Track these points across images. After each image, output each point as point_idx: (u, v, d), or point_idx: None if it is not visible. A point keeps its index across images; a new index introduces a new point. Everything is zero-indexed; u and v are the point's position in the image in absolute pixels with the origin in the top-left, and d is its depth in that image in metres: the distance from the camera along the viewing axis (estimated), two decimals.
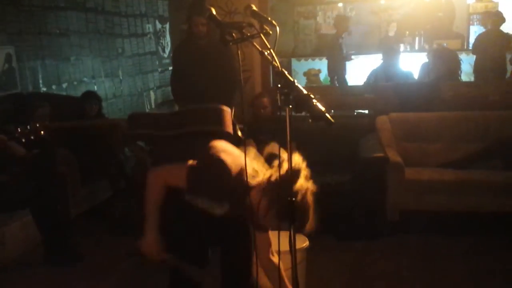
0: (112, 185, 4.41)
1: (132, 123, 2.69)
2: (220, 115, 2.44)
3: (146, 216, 2.07)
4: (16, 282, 3.25)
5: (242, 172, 1.92)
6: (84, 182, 4.23)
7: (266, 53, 1.80)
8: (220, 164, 1.93)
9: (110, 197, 4.39)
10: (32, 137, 3.02)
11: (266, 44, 1.82)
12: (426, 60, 5.75)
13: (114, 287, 3.11)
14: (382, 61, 5.91)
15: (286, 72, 1.74)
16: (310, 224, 1.98)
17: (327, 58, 7.18)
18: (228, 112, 2.50)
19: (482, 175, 3.92)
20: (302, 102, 1.61)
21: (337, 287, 2.97)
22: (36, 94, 4.79)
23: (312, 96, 1.64)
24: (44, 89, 5.04)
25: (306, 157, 4.66)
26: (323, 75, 7.95)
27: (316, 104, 1.61)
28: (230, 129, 2.45)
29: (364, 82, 6.22)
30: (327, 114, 1.57)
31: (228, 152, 2.01)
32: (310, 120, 1.60)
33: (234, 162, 1.97)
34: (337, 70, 6.90)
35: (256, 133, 4.19)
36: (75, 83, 5.53)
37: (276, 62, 1.75)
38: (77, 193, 4.08)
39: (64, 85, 5.36)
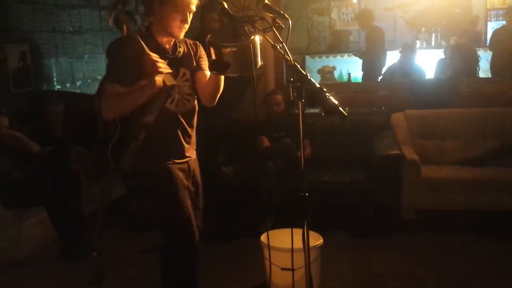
0: (125, 182, 4.42)
1: None
2: None
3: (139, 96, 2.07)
4: (31, 278, 3.27)
5: None
6: (98, 179, 4.24)
7: (278, 47, 1.78)
8: None
9: (124, 195, 4.40)
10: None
11: (279, 38, 1.80)
12: (443, 56, 5.67)
13: (129, 282, 3.11)
14: (399, 57, 5.85)
15: (298, 66, 1.72)
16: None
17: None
18: None
19: (500, 172, 3.85)
20: (315, 96, 1.60)
21: (352, 285, 2.93)
22: (50, 92, 4.82)
23: (325, 89, 1.62)
24: (58, 87, 5.06)
25: (320, 155, 4.59)
26: (338, 72, 7.84)
27: (329, 98, 1.59)
28: None
29: (381, 79, 6.15)
30: (340, 108, 1.55)
31: None
32: (323, 114, 1.58)
33: None
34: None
35: (270, 130, 4.17)
36: (89, 81, 5.55)
37: (289, 56, 1.73)
38: (91, 190, 4.09)
39: (78, 83, 5.39)
